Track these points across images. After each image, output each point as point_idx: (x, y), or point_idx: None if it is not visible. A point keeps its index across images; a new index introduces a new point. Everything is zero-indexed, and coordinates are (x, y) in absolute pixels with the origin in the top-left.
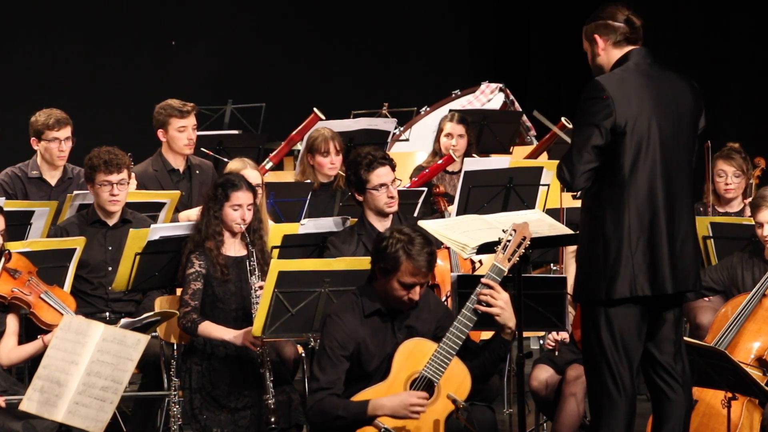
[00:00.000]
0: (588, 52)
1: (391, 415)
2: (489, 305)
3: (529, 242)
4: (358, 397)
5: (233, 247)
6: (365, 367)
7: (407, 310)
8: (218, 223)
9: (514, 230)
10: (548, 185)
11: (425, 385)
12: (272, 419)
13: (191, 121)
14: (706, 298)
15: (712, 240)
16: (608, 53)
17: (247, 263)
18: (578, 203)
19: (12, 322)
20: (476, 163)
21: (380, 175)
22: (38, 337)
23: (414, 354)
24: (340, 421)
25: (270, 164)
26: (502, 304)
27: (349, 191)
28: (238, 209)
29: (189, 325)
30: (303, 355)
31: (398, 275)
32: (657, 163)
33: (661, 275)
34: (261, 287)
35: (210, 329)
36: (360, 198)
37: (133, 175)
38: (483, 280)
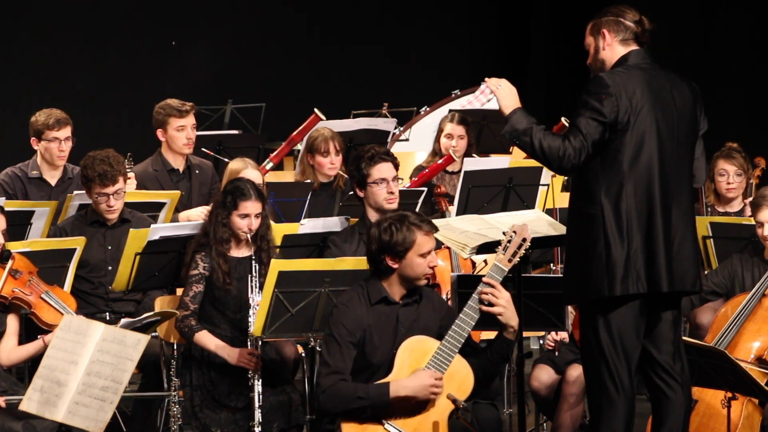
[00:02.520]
0: (590, 47)
1: (413, 396)
2: (490, 304)
3: (529, 243)
4: None
5: (240, 250)
6: (369, 357)
7: (413, 301)
8: (226, 230)
9: (514, 231)
10: (548, 185)
11: None
12: None
13: (190, 120)
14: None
15: (711, 240)
16: (613, 49)
17: (249, 278)
18: None
19: (12, 322)
20: (476, 163)
21: (381, 169)
22: (38, 337)
23: (417, 351)
24: (359, 403)
25: (270, 164)
26: (503, 303)
27: (352, 187)
28: (246, 218)
29: (186, 331)
30: (303, 355)
31: (416, 249)
32: (655, 162)
33: (657, 273)
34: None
35: (205, 340)
36: (361, 194)
37: (132, 175)
38: (484, 279)
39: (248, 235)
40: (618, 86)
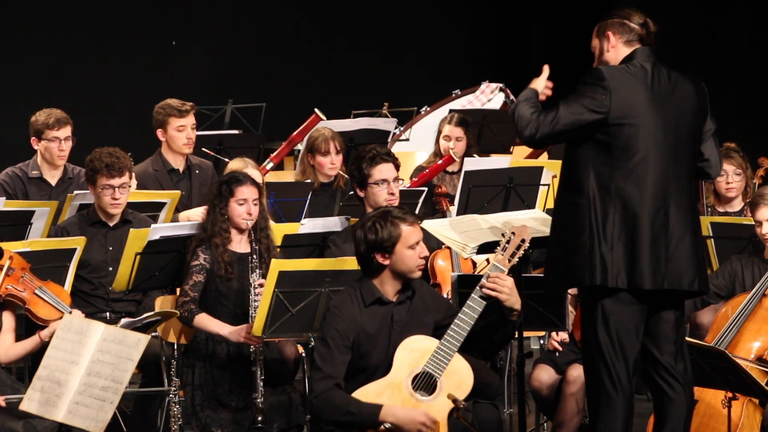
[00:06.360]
0: (596, 50)
1: (399, 426)
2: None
3: (528, 244)
4: (360, 393)
5: (240, 244)
6: (365, 358)
7: (404, 299)
8: (224, 220)
9: (513, 233)
10: (548, 185)
11: (426, 380)
12: (259, 418)
13: (190, 120)
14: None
15: (712, 240)
16: (617, 50)
17: (250, 260)
18: None
19: (8, 319)
20: (476, 163)
21: (382, 170)
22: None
23: (416, 351)
24: (348, 417)
25: (270, 164)
26: (507, 290)
27: (352, 187)
28: (244, 204)
29: (186, 315)
30: (303, 355)
31: (403, 242)
32: (650, 159)
33: (639, 270)
34: (261, 285)
35: (205, 322)
36: (361, 194)
37: (133, 175)
38: (485, 278)
39: (248, 222)
40: (615, 80)
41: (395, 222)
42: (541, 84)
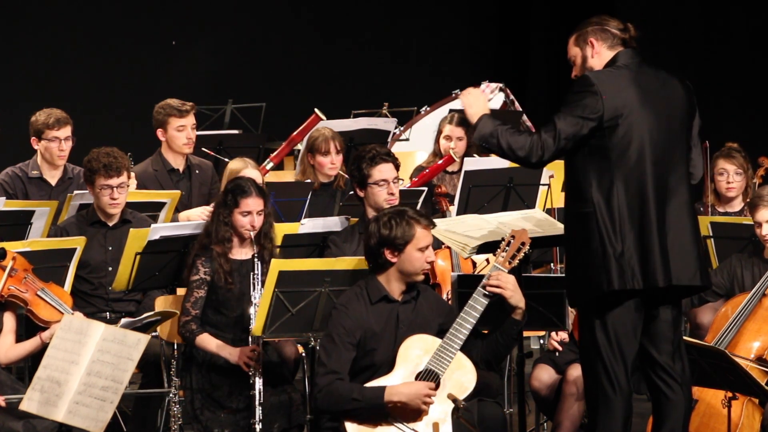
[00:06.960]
0: (576, 58)
1: (406, 402)
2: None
3: (528, 247)
4: None
5: (242, 251)
6: (370, 356)
7: (411, 298)
8: (228, 229)
9: (513, 236)
10: (548, 185)
11: (429, 378)
12: None
13: (190, 120)
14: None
15: (712, 240)
16: (601, 56)
17: (251, 276)
18: None
19: (9, 319)
20: (476, 163)
21: (382, 170)
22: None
23: (419, 348)
24: (354, 404)
25: (270, 164)
26: (511, 287)
27: (352, 187)
28: (248, 215)
29: (188, 335)
30: (303, 354)
31: (415, 243)
32: (646, 158)
33: (652, 268)
34: None
35: (207, 343)
36: (361, 194)
37: (133, 175)
38: (486, 278)
39: (251, 233)
40: (604, 84)
41: (411, 222)
42: (484, 104)
